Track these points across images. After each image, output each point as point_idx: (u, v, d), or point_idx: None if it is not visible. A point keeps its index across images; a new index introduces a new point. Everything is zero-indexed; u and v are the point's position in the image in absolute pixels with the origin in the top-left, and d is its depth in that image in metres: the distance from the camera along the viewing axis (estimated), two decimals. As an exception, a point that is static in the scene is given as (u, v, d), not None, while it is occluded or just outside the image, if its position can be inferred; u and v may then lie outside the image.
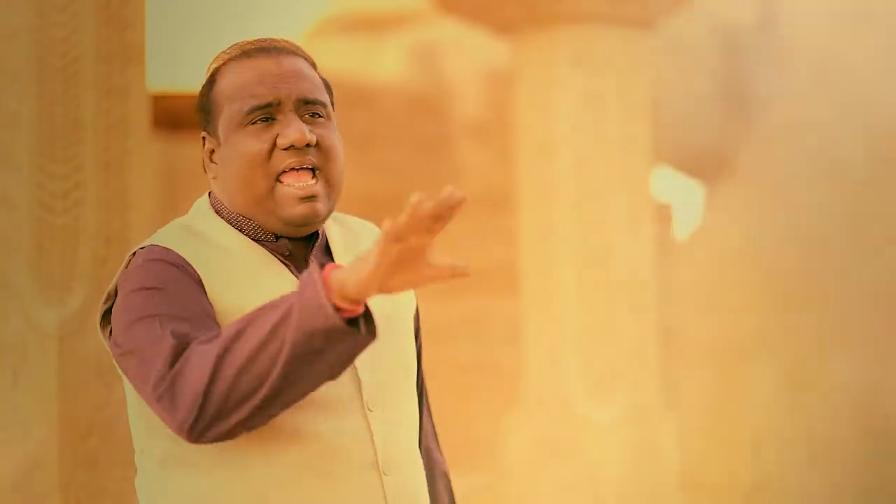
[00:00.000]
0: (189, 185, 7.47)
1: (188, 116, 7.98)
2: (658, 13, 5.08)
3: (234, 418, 1.13)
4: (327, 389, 1.23)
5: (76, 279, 2.93)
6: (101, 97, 2.83)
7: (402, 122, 7.53)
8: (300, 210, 1.27)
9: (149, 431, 1.30)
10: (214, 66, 1.37)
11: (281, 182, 1.27)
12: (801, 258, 6.85)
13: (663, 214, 6.69)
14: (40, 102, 2.73)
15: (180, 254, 1.26)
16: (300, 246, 1.35)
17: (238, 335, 1.12)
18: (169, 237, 1.31)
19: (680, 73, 6.84)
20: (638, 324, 4.90)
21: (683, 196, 7.52)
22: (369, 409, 1.29)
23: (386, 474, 1.28)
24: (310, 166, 1.28)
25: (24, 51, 2.73)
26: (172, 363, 1.14)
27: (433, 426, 1.56)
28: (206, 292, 1.25)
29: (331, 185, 1.30)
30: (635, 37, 4.93)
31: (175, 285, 1.23)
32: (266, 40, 1.35)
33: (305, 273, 1.13)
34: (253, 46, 1.34)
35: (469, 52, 7.63)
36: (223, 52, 1.38)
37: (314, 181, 1.28)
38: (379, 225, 1.47)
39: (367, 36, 8.51)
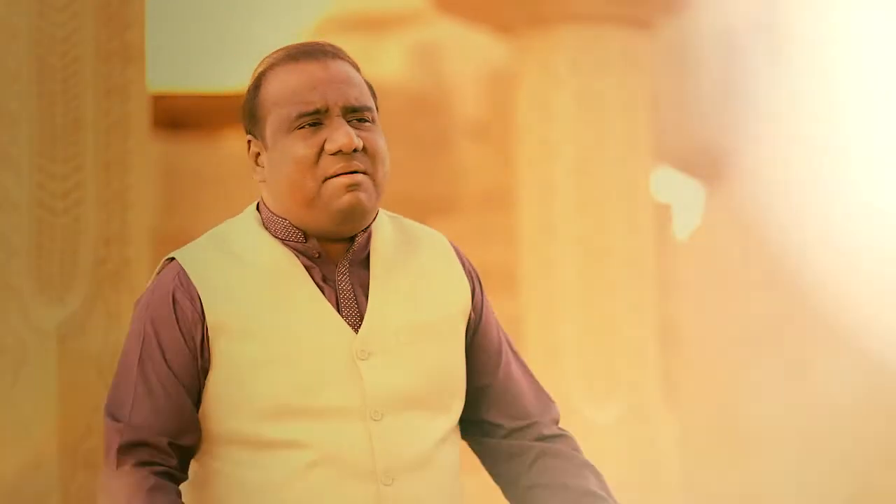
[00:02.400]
0: (189, 185, 7.45)
1: (188, 116, 7.99)
2: (658, 13, 5.08)
3: None
4: (326, 395, 1.27)
5: (76, 279, 2.92)
6: (101, 97, 2.82)
7: (402, 122, 7.52)
8: (346, 200, 1.27)
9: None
10: (260, 70, 1.36)
11: (327, 182, 1.28)
12: (799, 256, 6.85)
13: (663, 214, 6.69)
14: (40, 102, 2.73)
15: (189, 273, 1.31)
16: (339, 249, 1.35)
17: None
18: (195, 254, 1.35)
19: (680, 73, 6.84)
20: (638, 324, 4.90)
21: (683, 196, 7.51)
22: (374, 419, 1.28)
23: (386, 485, 1.27)
24: (356, 171, 1.29)
25: (24, 51, 2.72)
26: (109, 471, 1.27)
27: (535, 396, 1.49)
28: (194, 340, 1.30)
29: (375, 184, 1.31)
30: (635, 37, 4.93)
31: (165, 331, 1.29)
32: (312, 44, 1.36)
33: None
34: (299, 50, 1.35)
35: (469, 52, 7.63)
36: (268, 56, 1.38)
37: (359, 176, 1.29)
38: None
39: (367, 36, 8.51)
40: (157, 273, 1.35)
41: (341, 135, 1.28)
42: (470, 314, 1.42)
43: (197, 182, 7.94)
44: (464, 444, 1.44)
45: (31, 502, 2.85)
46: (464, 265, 1.45)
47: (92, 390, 2.98)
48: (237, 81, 7.58)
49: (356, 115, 1.32)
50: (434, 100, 8.10)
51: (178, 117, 7.66)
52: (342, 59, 1.35)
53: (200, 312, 1.28)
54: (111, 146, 2.84)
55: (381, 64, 8.48)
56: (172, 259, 1.35)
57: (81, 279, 2.92)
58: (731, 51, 7.04)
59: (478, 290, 1.46)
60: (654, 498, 4.90)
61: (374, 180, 1.30)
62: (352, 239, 1.35)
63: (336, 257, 1.35)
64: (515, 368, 1.48)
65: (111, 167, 2.84)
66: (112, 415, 1.28)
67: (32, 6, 2.72)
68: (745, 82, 7.01)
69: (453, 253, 1.46)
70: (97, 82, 2.81)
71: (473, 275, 1.46)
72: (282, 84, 1.33)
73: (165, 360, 1.28)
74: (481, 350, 1.43)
